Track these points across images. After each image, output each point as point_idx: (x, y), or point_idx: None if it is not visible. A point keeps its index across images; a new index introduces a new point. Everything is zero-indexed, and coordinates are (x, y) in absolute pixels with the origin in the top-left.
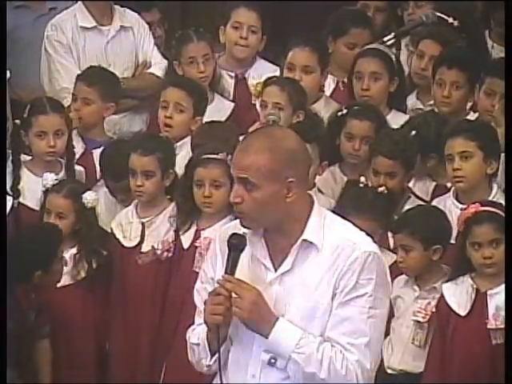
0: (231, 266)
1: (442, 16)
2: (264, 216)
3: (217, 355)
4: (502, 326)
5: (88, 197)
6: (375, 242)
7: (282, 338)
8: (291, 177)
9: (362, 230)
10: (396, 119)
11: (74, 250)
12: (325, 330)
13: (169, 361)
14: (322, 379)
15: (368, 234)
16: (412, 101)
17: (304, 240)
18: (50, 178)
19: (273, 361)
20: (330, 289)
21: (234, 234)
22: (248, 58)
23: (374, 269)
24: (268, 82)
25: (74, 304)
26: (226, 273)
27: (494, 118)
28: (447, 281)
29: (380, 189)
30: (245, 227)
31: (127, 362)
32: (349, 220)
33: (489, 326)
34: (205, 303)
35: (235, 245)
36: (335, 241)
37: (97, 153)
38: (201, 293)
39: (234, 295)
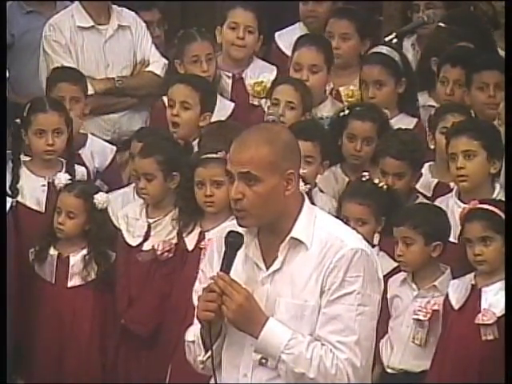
0: (227, 263)
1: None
2: (264, 212)
3: (210, 352)
4: (490, 323)
5: (99, 197)
6: (368, 240)
7: (272, 339)
8: (290, 168)
9: (353, 214)
10: (403, 122)
11: (84, 251)
12: (314, 328)
13: (174, 362)
14: (311, 379)
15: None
16: (424, 97)
17: (292, 238)
18: (64, 178)
19: (263, 361)
20: (317, 287)
21: (230, 232)
22: (245, 58)
23: (362, 266)
24: (279, 80)
25: (83, 304)
26: (221, 270)
27: (500, 114)
28: (454, 278)
29: (381, 184)
30: (242, 226)
31: (128, 363)
32: (342, 204)
33: (476, 321)
34: (198, 299)
35: (232, 243)
36: (324, 238)
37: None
38: (199, 293)
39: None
